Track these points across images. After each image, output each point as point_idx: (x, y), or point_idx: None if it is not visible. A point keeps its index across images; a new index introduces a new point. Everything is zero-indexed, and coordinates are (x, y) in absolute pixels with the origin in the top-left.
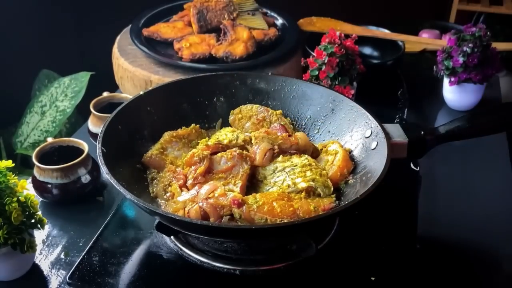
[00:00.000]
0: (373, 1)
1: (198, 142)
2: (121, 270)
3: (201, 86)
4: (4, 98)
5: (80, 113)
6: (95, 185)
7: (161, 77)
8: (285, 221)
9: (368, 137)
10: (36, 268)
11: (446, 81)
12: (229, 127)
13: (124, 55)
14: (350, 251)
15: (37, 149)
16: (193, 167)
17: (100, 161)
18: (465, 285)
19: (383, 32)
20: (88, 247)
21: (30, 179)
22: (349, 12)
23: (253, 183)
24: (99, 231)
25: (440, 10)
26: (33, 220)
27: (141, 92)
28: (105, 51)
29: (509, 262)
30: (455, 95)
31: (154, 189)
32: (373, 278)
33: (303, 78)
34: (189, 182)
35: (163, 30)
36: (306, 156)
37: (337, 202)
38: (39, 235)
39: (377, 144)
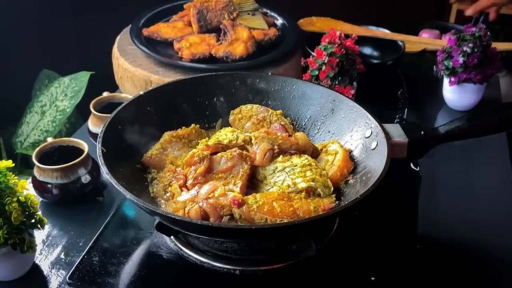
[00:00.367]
0: (373, 1)
1: (198, 142)
2: (121, 270)
3: (201, 86)
4: (4, 98)
5: (80, 113)
6: (95, 185)
7: (161, 77)
8: (285, 221)
9: (368, 137)
10: (36, 268)
11: (446, 81)
12: (229, 127)
13: (124, 55)
14: (350, 251)
15: (37, 149)
16: (193, 167)
17: (100, 161)
18: (465, 285)
19: (383, 32)
20: (88, 247)
21: (30, 179)
22: (349, 12)
23: (253, 183)
24: (99, 231)
25: (440, 10)
26: (33, 220)
27: (141, 92)
28: (105, 51)
29: (510, 262)
30: (455, 95)
31: (154, 189)
32: (373, 278)
33: (303, 78)
34: (189, 182)
35: (163, 30)
36: (306, 156)
37: (337, 202)
38: (39, 235)
39: (377, 144)
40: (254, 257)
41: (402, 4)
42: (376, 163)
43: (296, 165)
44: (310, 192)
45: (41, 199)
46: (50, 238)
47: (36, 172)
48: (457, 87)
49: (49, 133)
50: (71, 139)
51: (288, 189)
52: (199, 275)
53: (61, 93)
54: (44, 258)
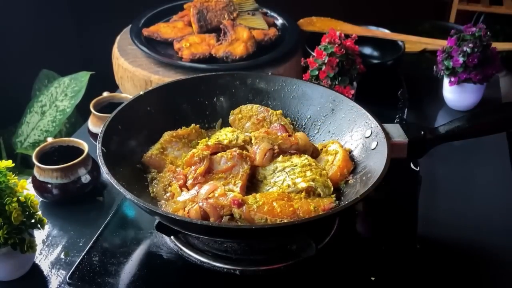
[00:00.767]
0: (373, 1)
1: (198, 142)
2: (121, 270)
3: (201, 86)
4: (4, 98)
5: (80, 113)
6: (95, 185)
7: (161, 77)
8: (285, 221)
9: (368, 137)
10: (36, 268)
11: (446, 81)
12: (229, 127)
13: (124, 55)
14: (350, 251)
15: (37, 149)
16: (193, 167)
17: (100, 161)
18: (465, 285)
19: (383, 32)
20: (88, 247)
21: (30, 179)
22: (349, 12)
23: (253, 183)
24: (99, 231)
25: (440, 10)
26: (33, 220)
27: (141, 92)
28: (105, 51)
29: (510, 262)
30: (455, 95)
31: (154, 189)
32: (373, 278)
33: (303, 78)
34: (189, 182)
35: (163, 30)
36: (306, 156)
37: (337, 202)
38: (39, 235)
39: (377, 144)
40: (254, 257)
41: (402, 4)
42: (376, 163)
43: (296, 165)
44: (310, 192)
45: (41, 199)
46: (50, 238)
47: (36, 172)
48: (457, 87)
49: (49, 133)
50: (71, 139)
51: (288, 189)
52: (199, 275)
53: (61, 93)
54: (44, 258)
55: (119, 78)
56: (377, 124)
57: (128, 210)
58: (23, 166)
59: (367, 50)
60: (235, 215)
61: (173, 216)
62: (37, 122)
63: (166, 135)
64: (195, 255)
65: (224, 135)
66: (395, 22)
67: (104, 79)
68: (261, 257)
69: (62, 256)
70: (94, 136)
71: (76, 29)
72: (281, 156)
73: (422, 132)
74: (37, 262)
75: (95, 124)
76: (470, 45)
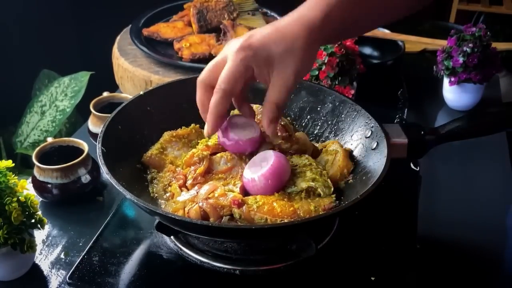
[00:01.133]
0: None
1: (198, 142)
2: (121, 270)
3: None
4: (4, 98)
5: (80, 113)
6: (95, 185)
7: (161, 77)
8: (285, 221)
9: (368, 137)
10: (36, 268)
11: (446, 81)
12: None
13: (124, 55)
14: (350, 251)
15: (37, 149)
16: (192, 167)
17: (100, 161)
18: (465, 285)
19: (383, 32)
20: (88, 247)
21: (30, 179)
22: None
23: None
24: (99, 231)
25: (440, 10)
26: (33, 220)
27: (141, 92)
28: (105, 51)
29: (510, 261)
30: (455, 95)
31: (154, 189)
32: (373, 278)
33: (303, 78)
34: (189, 182)
35: (163, 30)
36: (306, 156)
37: (337, 202)
38: (39, 235)
39: (377, 144)
40: (254, 257)
41: None
42: (376, 163)
43: (296, 165)
44: (310, 192)
45: (41, 199)
46: (50, 238)
47: (36, 172)
48: (457, 87)
49: (49, 133)
50: (71, 139)
51: (288, 189)
52: (199, 275)
53: (61, 93)
54: (44, 258)
55: (119, 78)
56: (377, 124)
57: (128, 210)
58: (23, 166)
59: (367, 50)
60: (235, 215)
61: (173, 216)
62: (37, 122)
63: (166, 135)
64: (195, 255)
65: None
66: (395, 22)
67: (104, 79)
68: (261, 257)
69: (62, 256)
70: (94, 136)
71: (76, 29)
72: None
73: (422, 132)
74: (37, 262)
75: (95, 124)
76: (470, 45)
